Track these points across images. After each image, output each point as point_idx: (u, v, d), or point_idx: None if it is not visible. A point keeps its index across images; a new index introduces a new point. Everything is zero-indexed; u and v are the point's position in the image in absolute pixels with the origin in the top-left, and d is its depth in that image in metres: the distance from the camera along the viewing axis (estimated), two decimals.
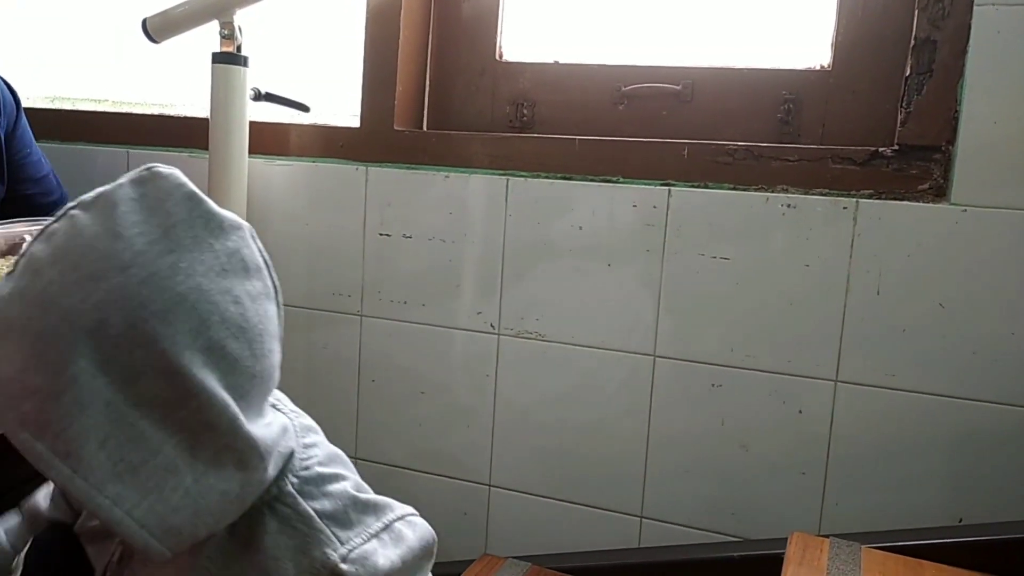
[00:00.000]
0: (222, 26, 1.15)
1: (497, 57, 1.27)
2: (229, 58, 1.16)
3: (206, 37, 1.20)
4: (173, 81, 1.45)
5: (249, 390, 0.56)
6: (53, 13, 1.55)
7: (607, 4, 1.23)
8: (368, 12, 1.24)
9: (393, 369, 1.27)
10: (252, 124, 1.24)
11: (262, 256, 0.60)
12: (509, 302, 1.20)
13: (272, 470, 0.58)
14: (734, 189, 1.08)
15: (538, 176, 1.17)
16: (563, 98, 1.23)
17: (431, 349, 1.25)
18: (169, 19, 1.17)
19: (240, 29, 1.15)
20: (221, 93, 1.17)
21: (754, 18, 1.16)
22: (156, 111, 1.44)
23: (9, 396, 0.51)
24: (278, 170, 1.30)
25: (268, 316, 0.58)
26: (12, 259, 0.69)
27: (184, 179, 0.56)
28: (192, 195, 0.56)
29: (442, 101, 1.31)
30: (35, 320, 0.50)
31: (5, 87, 1.12)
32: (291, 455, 0.62)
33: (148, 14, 1.18)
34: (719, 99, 1.16)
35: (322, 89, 1.37)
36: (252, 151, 1.25)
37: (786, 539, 0.99)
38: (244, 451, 0.55)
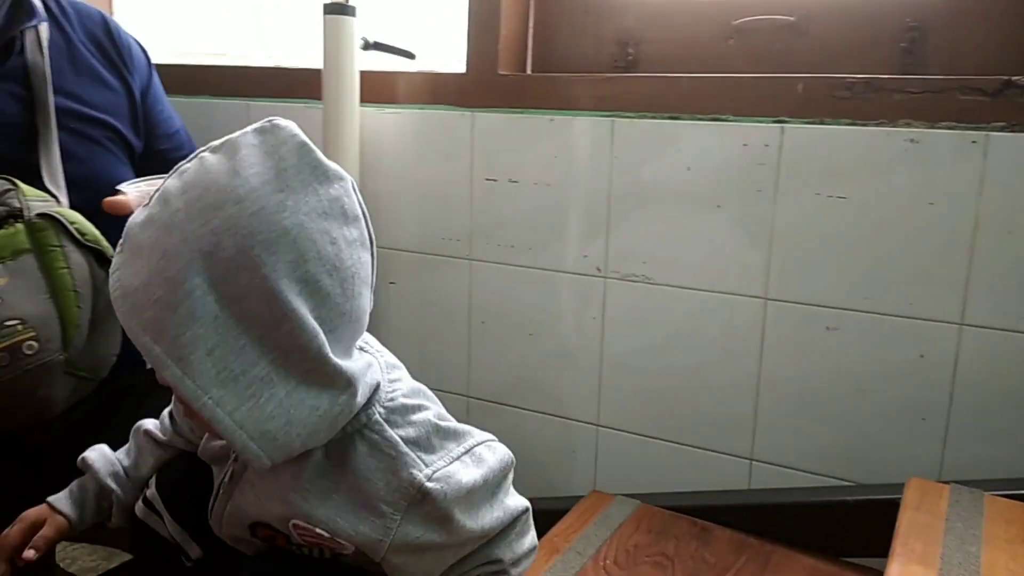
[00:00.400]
0: None
1: None
2: (338, 8, 1.18)
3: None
4: (288, 34, 1.49)
5: (338, 325, 0.61)
6: None
7: None
8: None
9: (502, 311, 1.30)
10: (362, 74, 1.27)
11: (361, 207, 0.65)
12: (615, 245, 1.19)
13: (360, 398, 0.64)
14: (853, 124, 1.03)
15: (644, 116, 1.15)
16: (670, 35, 1.20)
17: (538, 292, 1.26)
18: None
19: None
20: (332, 43, 1.20)
21: None
22: (272, 64, 1.49)
23: (135, 304, 0.58)
24: (388, 118, 1.33)
25: (361, 262, 0.64)
26: None
27: (298, 131, 0.62)
28: (303, 144, 0.61)
29: (546, 43, 1.30)
30: (161, 240, 0.58)
31: (139, 47, 1.18)
32: (377, 387, 0.68)
33: None
34: (836, 30, 1.10)
35: (428, 35, 1.38)
36: (363, 100, 1.28)
37: (903, 484, 0.97)
38: (331, 375, 0.61)
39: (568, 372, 1.27)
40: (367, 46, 1.26)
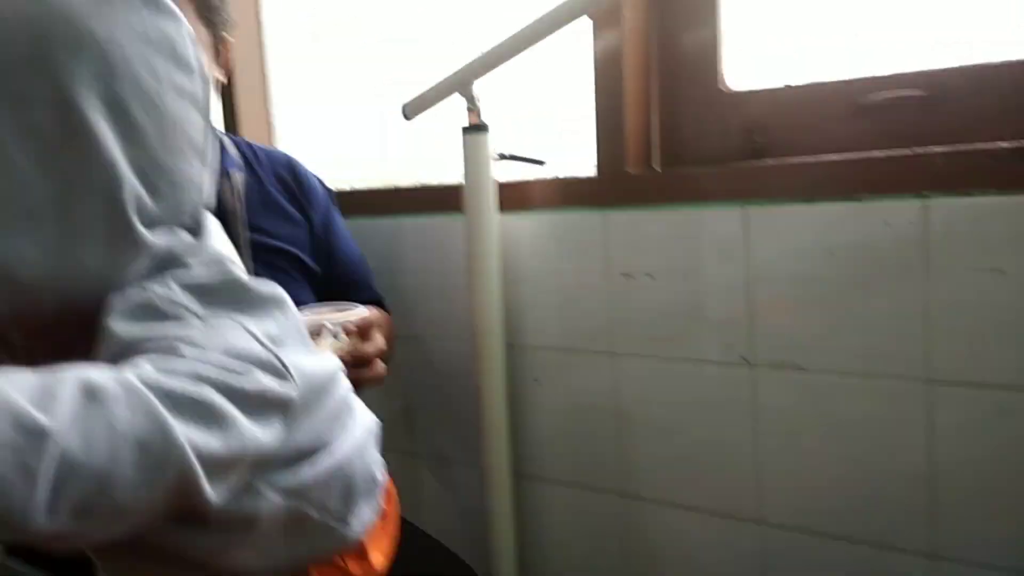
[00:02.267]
0: (467, 100, 1.27)
1: (722, 88, 1.27)
2: (475, 128, 1.27)
3: (453, 116, 1.33)
4: (426, 155, 1.61)
5: (155, 181, 0.51)
6: (324, 105, 1.80)
7: (834, 17, 1.19)
8: (595, 65, 1.30)
9: (647, 405, 1.30)
10: (499, 184, 1.35)
11: (198, 62, 0.55)
12: (759, 333, 1.17)
13: (145, 270, 0.52)
14: (1001, 194, 0.98)
15: (778, 203, 1.14)
16: (797, 120, 1.20)
17: (684, 384, 1.25)
18: (421, 100, 1.31)
19: (479, 98, 1.27)
20: (471, 159, 1.29)
21: (1004, 5, 1.06)
22: (416, 183, 1.61)
23: None
24: (525, 223, 1.39)
25: (190, 121, 0.54)
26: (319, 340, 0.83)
27: None
28: None
29: (671, 138, 1.33)
30: None
31: (319, 184, 1.36)
32: (179, 263, 0.54)
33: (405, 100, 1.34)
34: (970, 100, 1.06)
35: (558, 141, 1.45)
36: (501, 208, 1.35)
37: None
38: (119, 230, 0.49)
39: (724, 467, 1.24)
40: (501, 158, 1.33)
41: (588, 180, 1.34)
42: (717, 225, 1.19)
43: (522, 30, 1.16)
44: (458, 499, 1.56)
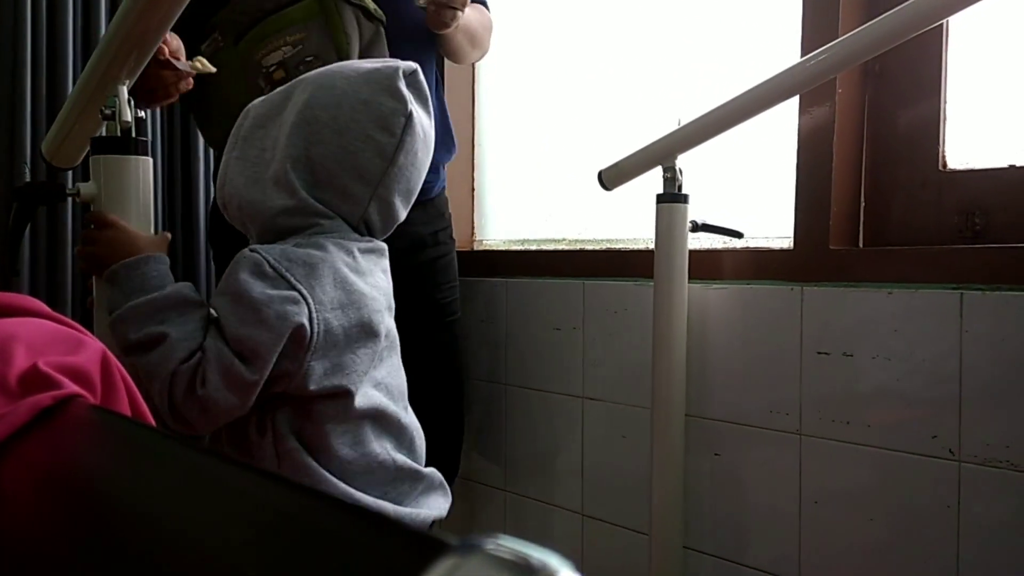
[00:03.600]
0: (664, 170, 1.28)
1: (941, 167, 1.22)
2: (672, 197, 1.28)
3: (647, 179, 1.35)
4: (617, 218, 1.64)
5: (322, 179, 0.89)
6: (521, 167, 1.87)
7: None
8: (800, 137, 1.29)
9: (836, 492, 1.24)
10: (690, 252, 1.35)
11: (401, 131, 0.90)
12: (971, 427, 1.10)
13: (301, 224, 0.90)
14: None
15: (999, 289, 1.08)
16: (1022, 203, 1.13)
17: (879, 473, 1.19)
18: (620, 170, 1.34)
19: (681, 171, 1.28)
20: (664, 228, 1.30)
21: None
22: (605, 246, 1.64)
23: None
24: (714, 294, 1.38)
25: (370, 160, 0.90)
26: None
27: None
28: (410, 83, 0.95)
29: (879, 217, 1.28)
30: None
31: None
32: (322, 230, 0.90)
33: (602, 166, 1.37)
34: None
35: (749, 211, 1.43)
36: (691, 277, 1.35)
37: None
38: (291, 190, 0.88)
39: (921, 566, 1.15)
40: (695, 228, 1.34)
41: (784, 253, 1.31)
42: (928, 309, 1.13)
43: (732, 103, 1.16)
44: (622, 564, 1.54)
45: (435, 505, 0.97)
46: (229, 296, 0.85)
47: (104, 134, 0.89)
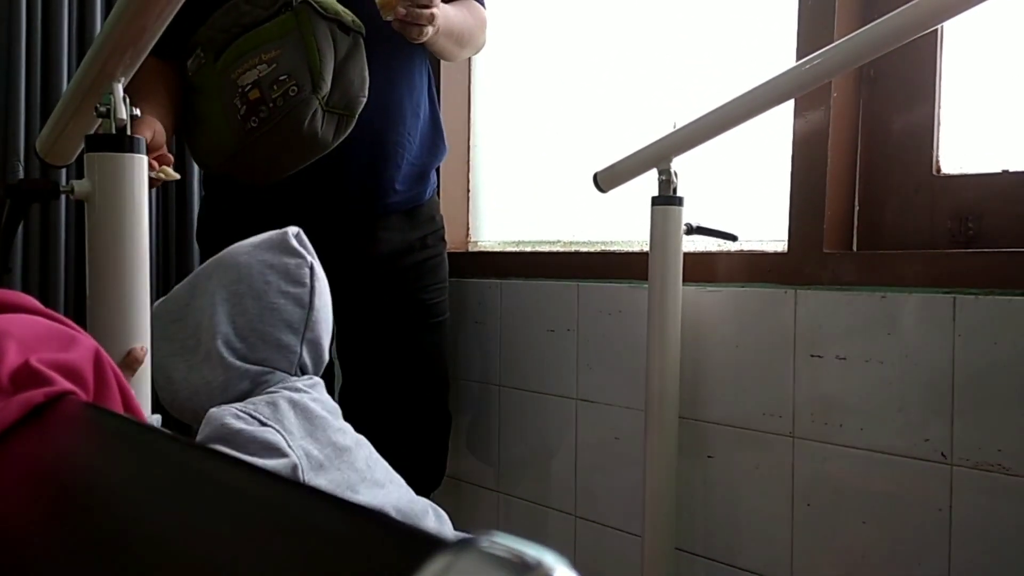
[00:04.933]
0: (660, 173, 1.29)
1: (934, 172, 1.22)
2: (667, 200, 1.29)
3: (642, 181, 1.36)
4: (611, 221, 1.64)
5: (247, 336, 0.97)
6: (521, 167, 1.87)
7: None
8: (795, 141, 1.29)
9: (828, 494, 1.24)
10: (684, 255, 1.35)
11: (311, 282, 1.01)
12: (963, 430, 1.10)
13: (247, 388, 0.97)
14: None
15: (992, 293, 1.08)
16: (1015, 208, 1.14)
17: (871, 476, 1.19)
18: (615, 172, 1.34)
19: (676, 174, 1.28)
20: (659, 231, 1.30)
21: None
22: (600, 248, 1.64)
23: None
24: (708, 296, 1.38)
25: (288, 311, 0.99)
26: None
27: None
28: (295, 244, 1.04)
29: (873, 221, 1.29)
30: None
31: None
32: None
33: (598, 168, 1.37)
34: None
35: (743, 214, 1.44)
36: (685, 280, 1.36)
37: None
38: (218, 359, 0.96)
39: (913, 571, 1.15)
40: (690, 230, 1.34)
41: (778, 256, 1.32)
42: (921, 313, 1.14)
43: (727, 107, 1.17)
44: (614, 566, 1.54)
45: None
46: (217, 444, 0.88)
47: (99, 131, 0.89)
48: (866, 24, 1.04)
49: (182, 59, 1.32)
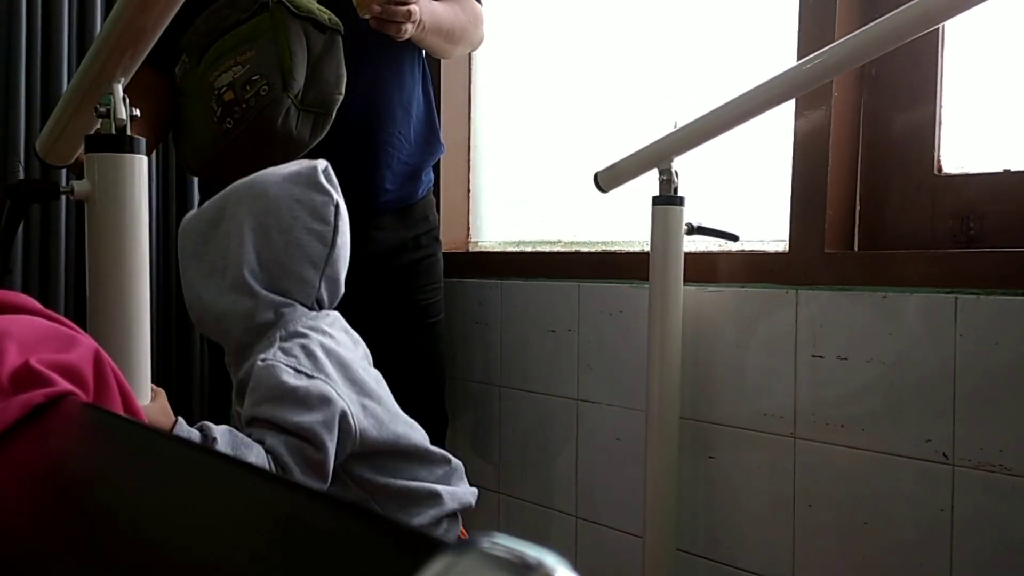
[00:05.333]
0: (660, 172, 1.29)
1: (936, 171, 1.22)
2: (668, 200, 1.29)
3: (642, 181, 1.35)
4: (612, 221, 1.64)
5: (271, 268, 1.01)
6: (521, 166, 1.87)
7: None
8: (796, 140, 1.29)
9: (830, 494, 1.24)
10: (685, 255, 1.35)
11: (335, 220, 1.04)
12: (965, 430, 1.10)
13: (272, 319, 1.01)
14: None
15: (994, 293, 1.08)
16: (1017, 207, 1.14)
17: (872, 476, 1.19)
18: (616, 172, 1.34)
19: (676, 173, 1.28)
20: (660, 231, 1.30)
21: None
22: (600, 248, 1.64)
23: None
24: (709, 296, 1.38)
25: (312, 246, 1.02)
26: None
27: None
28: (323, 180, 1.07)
29: (874, 220, 1.29)
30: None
31: None
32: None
33: (599, 168, 1.37)
34: None
35: (744, 214, 1.44)
36: (686, 280, 1.35)
37: None
38: (244, 287, 1.00)
39: (915, 572, 1.15)
40: (691, 230, 1.34)
41: (779, 256, 1.32)
42: (922, 312, 1.14)
43: (728, 106, 1.16)
44: (615, 567, 1.53)
45: (467, 489, 1.12)
46: (271, 399, 0.94)
47: (99, 132, 0.89)
48: (867, 23, 1.04)
49: (171, 66, 1.32)
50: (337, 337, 1.04)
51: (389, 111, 1.42)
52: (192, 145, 1.31)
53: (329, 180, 1.05)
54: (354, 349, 1.07)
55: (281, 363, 0.95)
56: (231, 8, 1.27)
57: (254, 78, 1.21)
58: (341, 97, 1.27)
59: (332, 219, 1.03)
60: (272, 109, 1.21)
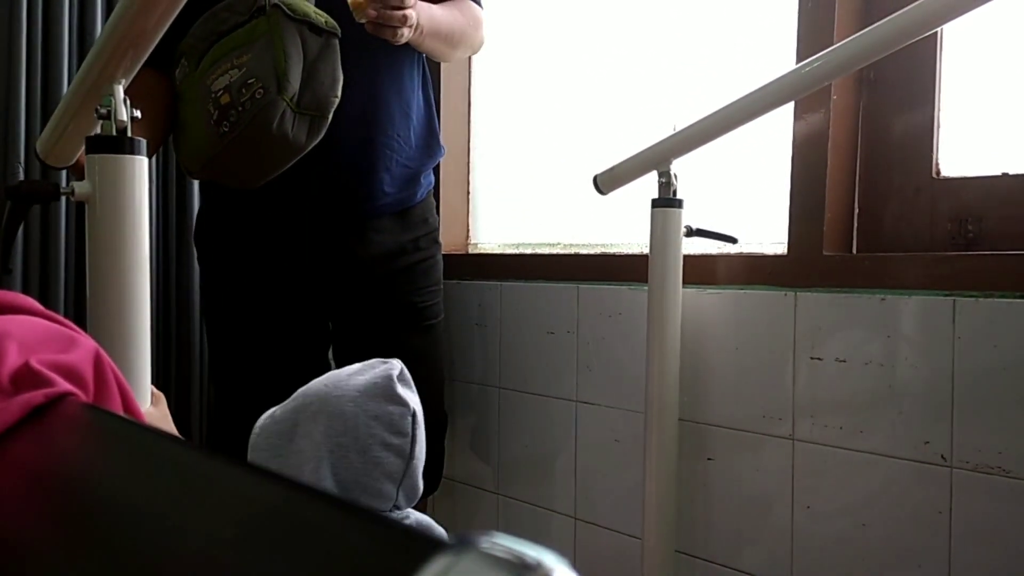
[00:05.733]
0: (660, 175, 1.29)
1: (934, 174, 1.22)
2: (667, 202, 1.29)
3: (641, 184, 1.36)
4: (611, 223, 1.64)
5: (350, 487, 0.97)
6: (517, 170, 1.87)
7: None
8: (795, 143, 1.29)
9: (828, 497, 1.24)
10: (684, 257, 1.35)
11: (411, 432, 1.00)
12: (963, 432, 1.10)
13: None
14: None
15: (991, 296, 1.08)
16: (1015, 211, 1.14)
17: (871, 478, 1.19)
18: (615, 174, 1.35)
19: (675, 176, 1.28)
20: (659, 233, 1.30)
21: None
22: (599, 251, 1.64)
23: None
24: (708, 299, 1.38)
25: (389, 461, 0.98)
26: None
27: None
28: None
29: (872, 223, 1.29)
30: None
31: None
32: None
33: (598, 171, 1.37)
34: None
35: (743, 217, 1.44)
36: (685, 282, 1.36)
37: None
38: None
39: (913, 574, 1.15)
40: (690, 233, 1.34)
41: (777, 258, 1.32)
42: (921, 315, 1.14)
43: (727, 109, 1.17)
44: (614, 568, 1.53)
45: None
46: None
47: (99, 133, 0.89)
48: (866, 27, 1.04)
49: (172, 69, 1.32)
50: None
51: (388, 114, 1.42)
52: (190, 148, 1.31)
53: (406, 385, 1.03)
54: None
55: None
56: (229, 12, 1.27)
57: (250, 81, 1.21)
58: (337, 100, 1.27)
59: (410, 430, 1.00)
60: (267, 112, 1.21)
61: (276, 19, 1.23)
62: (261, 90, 1.21)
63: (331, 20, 1.27)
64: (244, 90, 1.21)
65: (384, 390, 1.00)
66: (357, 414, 0.97)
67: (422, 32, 1.32)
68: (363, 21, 1.24)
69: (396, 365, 1.04)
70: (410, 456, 1.00)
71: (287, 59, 1.22)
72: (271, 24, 1.23)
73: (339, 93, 1.27)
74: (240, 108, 1.22)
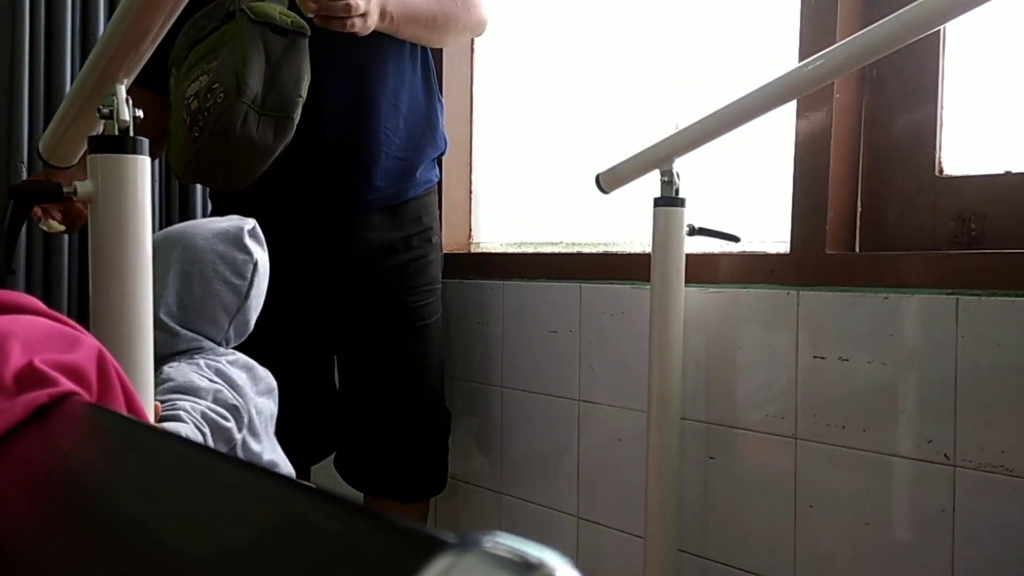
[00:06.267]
0: (662, 174, 1.29)
1: (937, 173, 1.22)
2: (669, 201, 1.29)
3: (644, 183, 1.36)
4: (613, 222, 1.64)
5: (187, 310, 1.15)
6: (520, 169, 1.87)
7: None
8: (797, 142, 1.29)
9: (831, 495, 1.24)
10: (687, 256, 1.35)
11: (252, 275, 1.20)
12: (966, 431, 1.10)
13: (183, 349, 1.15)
14: None
15: (995, 294, 1.08)
16: (1018, 209, 1.14)
17: (874, 477, 1.19)
18: (617, 173, 1.34)
19: (678, 175, 1.28)
20: (661, 232, 1.30)
21: None
22: (602, 250, 1.64)
23: None
24: (711, 297, 1.38)
25: (227, 296, 1.17)
26: None
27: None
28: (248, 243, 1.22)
29: (875, 222, 1.29)
30: None
31: None
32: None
33: (600, 170, 1.37)
34: None
35: (745, 216, 1.44)
36: (687, 281, 1.36)
37: None
38: (163, 324, 1.12)
39: (916, 572, 1.15)
40: (692, 232, 1.34)
41: (779, 257, 1.32)
42: (924, 313, 1.14)
43: (730, 108, 1.17)
44: (616, 567, 1.53)
45: None
46: (178, 390, 1.07)
47: (102, 133, 0.89)
48: (868, 25, 1.04)
49: (166, 84, 1.33)
50: (233, 372, 1.18)
51: (374, 105, 1.41)
52: (173, 154, 1.33)
53: (255, 239, 1.20)
54: (251, 384, 1.19)
55: (187, 366, 1.11)
56: (207, 19, 1.27)
57: (214, 86, 1.22)
58: (302, 99, 1.26)
59: (249, 276, 1.19)
60: (229, 115, 1.21)
61: (241, 23, 1.23)
62: (222, 95, 1.21)
63: (299, 20, 1.24)
64: (209, 95, 1.22)
65: (235, 238, 1.18)
66: (207, 250, 1.16)
67: (392, 19, 1.30)
68: (310, 16, 1.23)
69: (250, 222, 1.21)
70: (246, 297, 1.19)
71: (247, 62, 1.21)
72: (237, 29, 1.23)
73: (304, 93, 1.26)
74: (206, 113, 1.22)
